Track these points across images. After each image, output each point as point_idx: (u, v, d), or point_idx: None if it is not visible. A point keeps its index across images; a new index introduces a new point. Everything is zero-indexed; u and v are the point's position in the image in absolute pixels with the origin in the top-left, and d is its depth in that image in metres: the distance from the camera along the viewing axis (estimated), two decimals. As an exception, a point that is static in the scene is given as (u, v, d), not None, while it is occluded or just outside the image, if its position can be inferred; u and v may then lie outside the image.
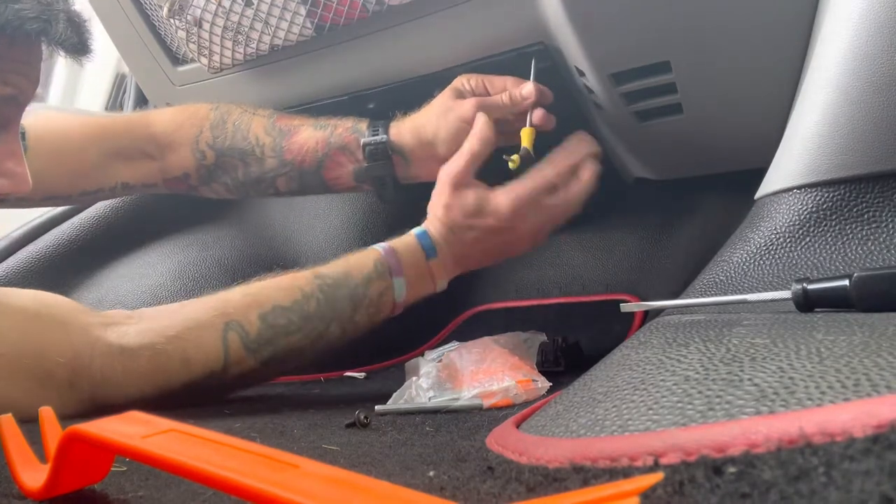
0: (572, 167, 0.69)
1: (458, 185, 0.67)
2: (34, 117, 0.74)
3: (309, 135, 0.76)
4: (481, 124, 0.68)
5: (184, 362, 0.55)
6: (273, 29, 0.76)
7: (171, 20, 0.79)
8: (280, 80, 0.83)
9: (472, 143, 0.68)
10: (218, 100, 0.83)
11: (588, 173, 0.70)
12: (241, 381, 0.59)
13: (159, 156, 0.79)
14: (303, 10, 0.73)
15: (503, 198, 0.67)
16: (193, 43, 0.80)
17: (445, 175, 0.68)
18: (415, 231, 0.68)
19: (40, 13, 0.50)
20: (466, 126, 0.70)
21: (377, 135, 0.74)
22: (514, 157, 0.69)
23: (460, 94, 0.72)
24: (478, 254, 0.69)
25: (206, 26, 0.78)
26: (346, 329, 0.63)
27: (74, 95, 1.40)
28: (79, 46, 0.54)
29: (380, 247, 0.66)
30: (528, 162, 0.71)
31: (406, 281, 0.66)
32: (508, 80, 0.72)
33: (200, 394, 0.56)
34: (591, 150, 0.71)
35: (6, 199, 0.70)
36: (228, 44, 0.79)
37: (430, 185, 0.76)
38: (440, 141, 0.72)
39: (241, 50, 0.79)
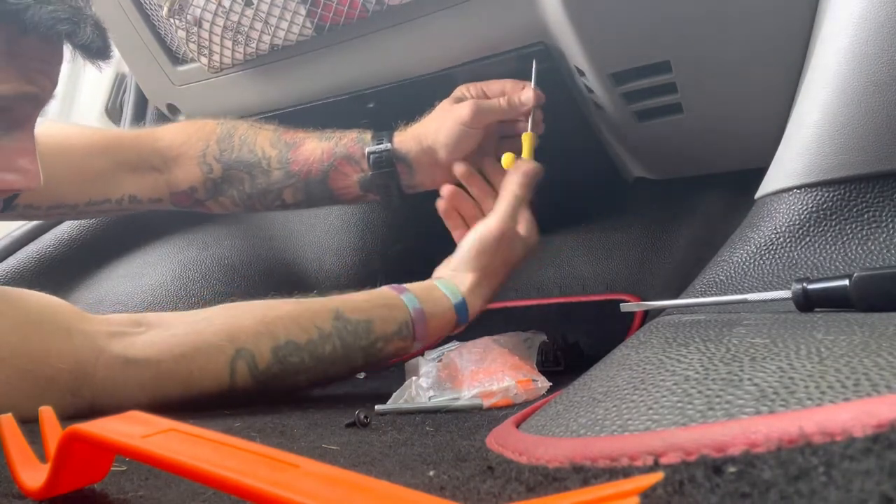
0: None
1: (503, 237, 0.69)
2: (43, 127, 0.74)
3: (314, 146, 0.77)
4: (514, 178, 0.70)
5: (186, 383, 0.55)
6: (273, 29, 0.76)
7: (171, 20, 0.79)
8: (280, 79, 0.83)
9: (509, 199, 0.69)
10: (218, 99, 0.83)
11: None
12: (241, 399, 0.59)
13: (166, 169, 0.80)
14: (303, 10, 0.73)
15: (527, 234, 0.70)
16: (193, 42, 0.80)
17: (489, 234, 0.68)
18: (453, 298, 0.66)
19: (71, 15, 0.51)
20: (464, 129, 0.71)
21: (381, 143, 0.74)
22: (508, 154, 0.71)
23: (460, 102, 0.73)
24: (496, 293, 0.71)
25: (206, 26, 0.78)
26: (355, 371, 0.65)
27: (74, 95, 1.40)
28: (102, 50, 0.56)
29: (410, 303, 0.64)
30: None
31: (426, 342, 0.66)
32: (507, 84, 0.72)
33: (199, 407, 0.56)
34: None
35: (16, 207, 0.70)
36: (228, 43, 0.79)
37: (434, 193, 0.76)
38: (440, 145, 0.72)
39: (241, 50, 0.79)
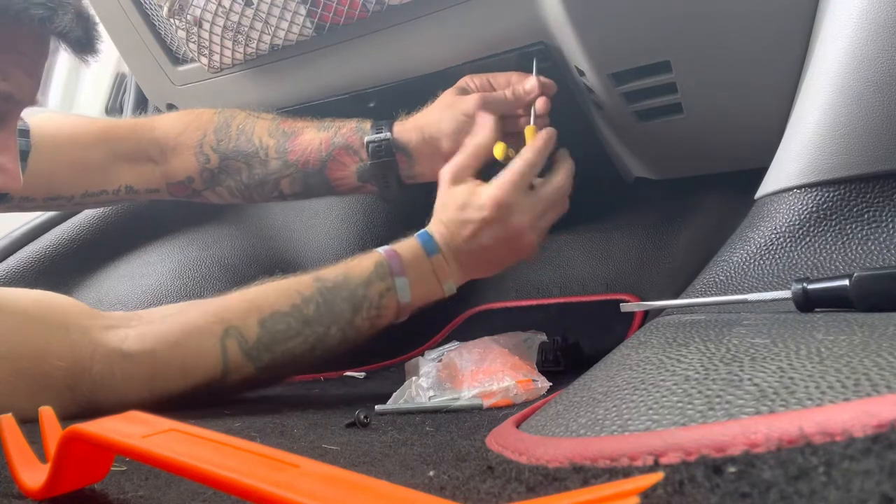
0: (547, 155, 0.69)
1: (455, 180, 0.67)
2: (39, 118, 0.74)
3: (313, 136, 0.76)
4: (484, 120, 0.68)
5: (182, 369, 0.55)
6: (273, 29, 0.76)
7: (171, 20, 0.79)
8: (280, 79, 0.83)
9: (474, 140, 0.68)
10: (218, 99, 0.83)
11: (565, 162, 0.70)
12: (239, 387, 0.59)
13: (163, 160, 0.79)
14: (303, 10, 0.73)
15: (489, 188, 0.66)
16: (193, 43, 0.80)
17: (444, 171, 0.68)
18: (416, 233, 0.68)
19: (47, 0, 0.50)
20: (469, 120, 0.70)
21: (381, 132, 0.74)
22: (499, 144, 0.69)
23: (464, 92, 0.72)
24: (482, 255, 0.67)
25: (206, 26, 0.78)
26: (347, 333, 0.62)
27: (74, 95, 1.40)
28: (84, 42, 0.54)
29: (381, 249, 0.66)
30: None
31: (409, 281, 0.65)
32: (513, 76, 0.72)
33: (199, 399, 0.56)
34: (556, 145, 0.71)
35: (11, 199, 0.70)
36: (228, 43, 0.79)
37: (432, 185, 0.76)
38: (444, 136, 0.72)
39: (241, 50, 0.79)
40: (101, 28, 0.57)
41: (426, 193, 0.77)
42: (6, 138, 0.55)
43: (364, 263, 0.64)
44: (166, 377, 0.54)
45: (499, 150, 0.70)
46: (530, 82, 0.70)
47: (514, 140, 0.74)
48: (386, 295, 0.64)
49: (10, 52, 0.52)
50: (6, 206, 0.71)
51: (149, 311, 0.58)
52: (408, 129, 0.74)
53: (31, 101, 0.56)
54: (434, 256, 0.66)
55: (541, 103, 0.71)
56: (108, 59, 1.26)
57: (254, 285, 0.61)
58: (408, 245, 0.67)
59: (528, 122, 0.71)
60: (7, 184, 0.55)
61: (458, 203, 0.66)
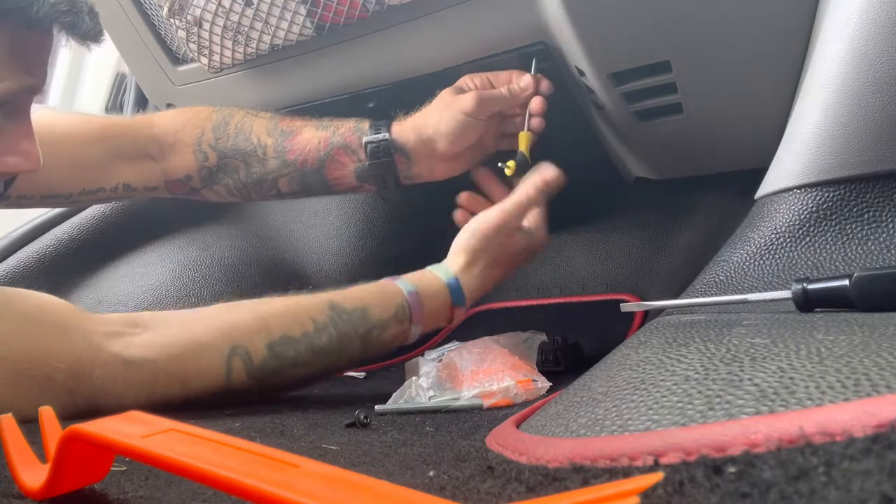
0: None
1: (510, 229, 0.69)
2: (37, 115, 0.74)
3: (311, 135, 0.76)
4: (543, 172, 0.70)
5: (183, 382, 0.55)
6: (273, 29, 0.76)
7: (171, 20, 0.79)
8: (280, 79, 0.83)
9: (516, 195, 0.69)
10: (218, 99, 0.83)
11: (531, 177, 0.72)
12: (240, 398, 0.59)
13: (161, 157, 0.79)
14: (303, 10, 0.73)
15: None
16: (193, 43, 0.80)
17: (495, 218, 0.69)
18: (445, 278, 0.67)
19: (71, 7, 0.53)
20: (467, 119, 0.70)
21: (379, 133, 0.74)
22: (510, 163, 0.70)
23: (462, 92, 0.72)
24: (488, 284, 0.70)
25: (206, 26, 0.78)
26: (353, 363, 0.64)
27: (74, 95, 1.40)
28: (96, 35, 0.57)
29: (405, 287, 0.65)
30: (524, 167, 0.71)
31: (424, 326, 0.66)
32: (514, 74, 0.72)
33: (198, 407, 0.56)
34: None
35: (9, 197, 0.70)
36: (228, 43, 0.79)
37: (431, 186, 0.76)
38: (440, 136, 0.72)
39: (241, 50, 0.79)
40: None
41: (425, 194, 0.78)
42: (26, 124, 0.58)
43: (385, 303, 0.63)
44: (166, 387, 0.54)
45: (522, 142, 0.72)
46: (525, 79, 0.71)
47: (511, 140, 0.74)
48: (399, 336, 0.65)
49: (30, 50, 0.55)
50: (4, 203, 0.71)
51: (154, 315, 0.57)
52: (405, 129, 0.74)
53: (43, 88, 0.59)
54: (458, 308, 0.67)
55: (535, 103, 0.71)
56: (108, 59, 1.26)
57: (266, 299, 0.61)
58: (435, 293, 0.66)
59: (525, 123, 0.71)
60: (30, 165, 0.58)
61: (509, 250, 0.69)
